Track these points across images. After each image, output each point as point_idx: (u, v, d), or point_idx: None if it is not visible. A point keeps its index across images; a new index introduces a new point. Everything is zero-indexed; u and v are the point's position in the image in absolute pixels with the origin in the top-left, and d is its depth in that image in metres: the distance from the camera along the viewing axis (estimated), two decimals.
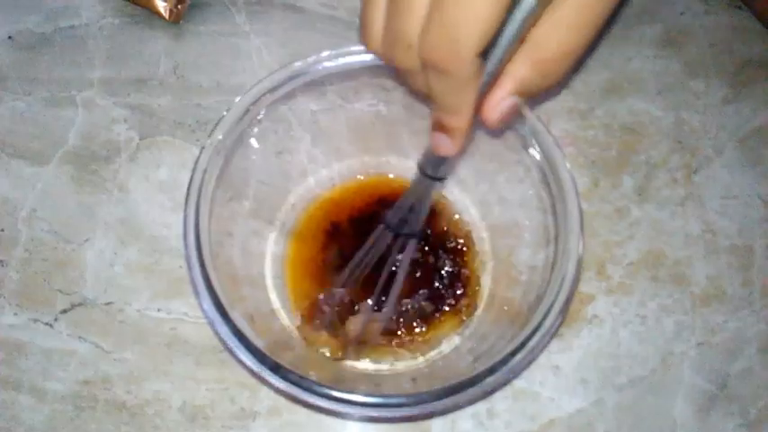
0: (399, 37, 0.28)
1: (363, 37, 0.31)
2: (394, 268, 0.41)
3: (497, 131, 0.39)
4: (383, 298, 0.41)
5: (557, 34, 0.27)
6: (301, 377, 0.31)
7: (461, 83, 0.28)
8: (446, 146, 0.31)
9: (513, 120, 0.33)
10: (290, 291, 0.44)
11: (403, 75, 0.30)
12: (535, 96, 0.30)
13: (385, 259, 0.41)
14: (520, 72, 0.28)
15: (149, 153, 0.49)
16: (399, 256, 0.41)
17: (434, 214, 0.46)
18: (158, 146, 0.49)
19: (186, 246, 0.34)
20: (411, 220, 0.39)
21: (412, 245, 0.40)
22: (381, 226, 0.40)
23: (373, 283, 0.41)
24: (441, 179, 0.35)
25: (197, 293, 0.33)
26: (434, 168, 0.34)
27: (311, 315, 0.43)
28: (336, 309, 0.42)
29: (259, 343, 0.32)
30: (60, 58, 0.51)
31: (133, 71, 0.51)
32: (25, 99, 0.50)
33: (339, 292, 0.42)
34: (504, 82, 0.29)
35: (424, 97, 0.31)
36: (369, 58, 0.39)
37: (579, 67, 0.51)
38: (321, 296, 0.43)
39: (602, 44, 0.52)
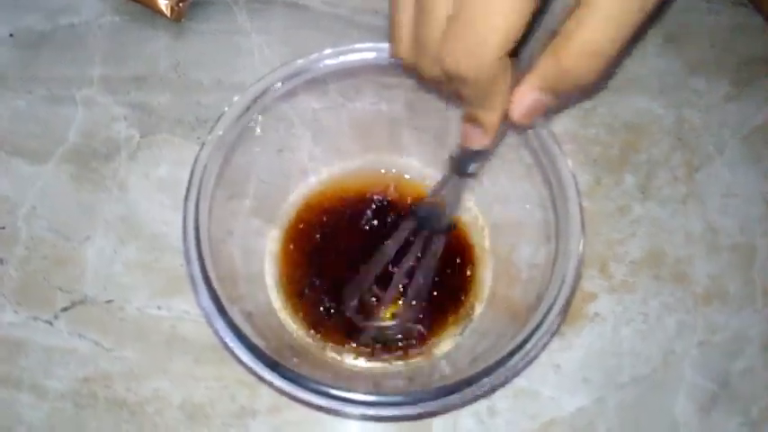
0: (425, 46, 0.27)
1: (392, 45, 0.30)
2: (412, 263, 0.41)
3: (521, 129, 0.38)
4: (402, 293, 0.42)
5: (588, 30, 0.25)
6: (299, 375, 0.31)
7: (488, 86, 0.27)
8: (478, 138, 0.30)
9: (539, 118, 0.32)
10: (285, 288, 0.44)
11: (432, 82, 0.30)
12: (565, 95, 0.28)
13: (407, 256, 0.41)
14: (545, 67, 0.27)
15: (149, 151, 0.48)
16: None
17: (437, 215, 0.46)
18: (158, 144, 0.49)
19: (185, 241, 0.33)
20: (440, 217, 0.38)
21: (440, 242, 0.39)
22: (409, 221, 0.39)
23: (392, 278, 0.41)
24: (471, 175, 0.34)
25: (195, 289, 0.33)
26: (465, 164, 0.33)
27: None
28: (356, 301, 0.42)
29: (257, 340, 0.32)
30: (60, 55, 0.51)
31: (133, 69, 0.51)
32: (25, 97, 0.50)
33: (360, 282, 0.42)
34: (529, 77, 0.28)
35: (455, 101, 0.31)
36: (371, 56, 0.39)
37: (615, 70, 0.51)
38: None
39: None
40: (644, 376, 0.44)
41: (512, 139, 0.40)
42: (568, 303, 0.34)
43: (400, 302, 0.43)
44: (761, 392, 0.44)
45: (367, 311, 0.43)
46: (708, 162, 0.49)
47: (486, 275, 0.44)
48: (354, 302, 0.43)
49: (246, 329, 0.32)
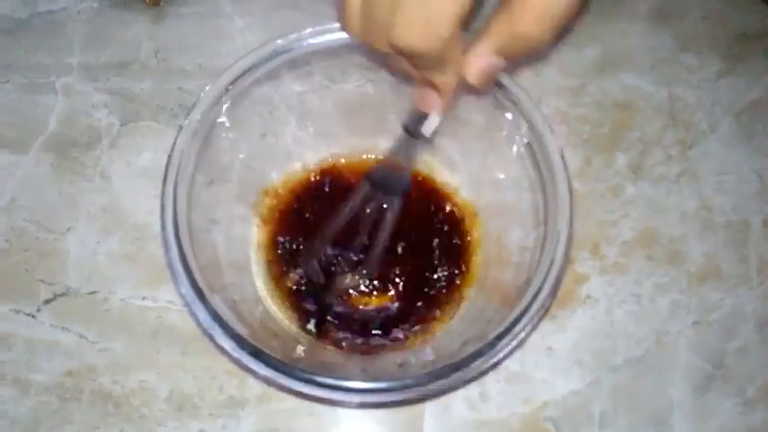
0: (375, 23, 0.28)
1: (341, 22, 0.31)
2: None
3: (483, 96, 0.38)
4: (362, 256, 0.41)
5: None
6: (283, 363, 0.30)
7: (441, 56, 0.28)
8: (432, 101, 0.31)
9: (493, 81, 0.33)
10: (271, 275, 0.43)
11: (384, 57, 0.30)
12: (516, 58, 0.29)
13: (365, 218, 0.40)
14: (499, 33, 0.28)
15: (131, 139, 0.47)
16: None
17: (424, 196, 0.45)
18: (140, 131, 0.48)
19: (164, 228, 0.33)
20: (395, 179, 0.38)
21: (396, 203, 0.39)
22: (364, 180, 0.39)
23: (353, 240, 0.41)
24: (424, 139, 0.34)
25: (174, 277, 0.32)
26: (416, 126, 0.33)
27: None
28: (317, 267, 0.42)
29: (240, 328, 0.31)
30: (38, 43, 0.50)
31: (113, 55, 0.50)
32: (3, 86, 0.49)
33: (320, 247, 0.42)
34: (483, 43, 0.28)
35: (406, 77, 0.31)
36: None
37: (565, 35, 0.50)
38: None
39: (593, 18, 0.51)
40: (638, 358, 0.43)
41: (499, 120, 0.40)
42: (558, 284, 0.34)
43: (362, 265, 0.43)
44: (757, 372, 0.43)
45: (331, 273, 0.43)
46: (701, 140, 0.48)
47: (476, 260, 0.44)
48: (315, 266, 0.42)
49: (229, 317, 0.31)
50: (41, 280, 0.44)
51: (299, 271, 0.43)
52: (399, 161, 0.37)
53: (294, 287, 0.43)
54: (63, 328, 0.43)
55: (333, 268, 0.43)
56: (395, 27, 0.26)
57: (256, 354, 0.31)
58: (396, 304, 0.43)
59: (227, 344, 0.31)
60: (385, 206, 0.39)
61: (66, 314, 0.43)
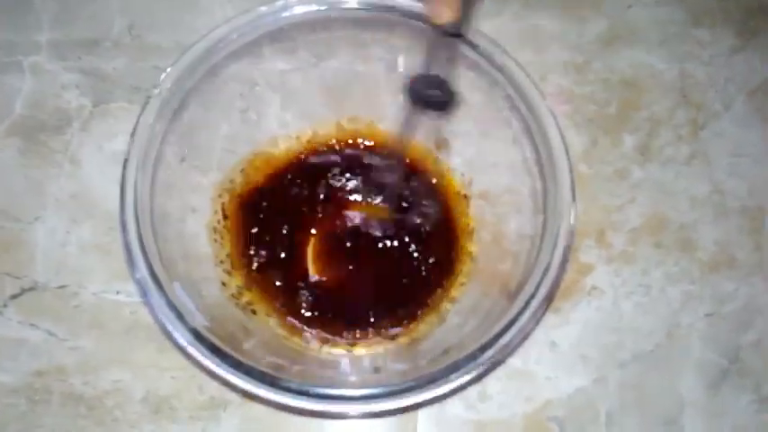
0: None
1: None
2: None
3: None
4: None
5: None
6: (239, 362, 0.27)
7: None
8: (445, 12, 0.30)
9: None
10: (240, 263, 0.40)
11: None
12: None
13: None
14: None
15: (103, 121, 0.45)
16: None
17: (418, 184, 0.43)
18: (113, 113, 0.45)
19: (122, 211, 0.29)
20: (439, 87, 0.34)
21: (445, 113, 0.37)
22: (404, 97, 0.35)
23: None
24: (458, 35, 0.33)
25: (130, 261, 0.29)
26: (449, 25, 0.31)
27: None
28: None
29: (200, 320, 0.28)
30: (5, 20, 0.47)
31: (84, 32, 0.47)
32: None
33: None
34: None
35: None
36: (345, 4, 0.35)
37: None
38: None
39: None
40: (647, 353, 0.41)
41: (498, 102, 0.38)
42: (560, 274, 0.32)
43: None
44: None
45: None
46: (713, 119, 0.46)
47: (473, 248, 0.41)
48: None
49: (187, 308, 0.28)
50: (7, 273, 0.41)
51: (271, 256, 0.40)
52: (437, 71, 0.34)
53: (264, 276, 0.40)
54: (31, 324, 0.40)
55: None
56: None
57: (213, 349, 0.28)
58: (381, 292, 0.40)
59: (181, 337, 0.28)
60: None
61: (34, 310, 0.41)
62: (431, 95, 0.34)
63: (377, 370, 0.35)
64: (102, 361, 0.40)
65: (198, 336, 0.28)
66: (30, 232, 0.42)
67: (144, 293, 0.29)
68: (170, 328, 0.28)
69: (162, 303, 0.28)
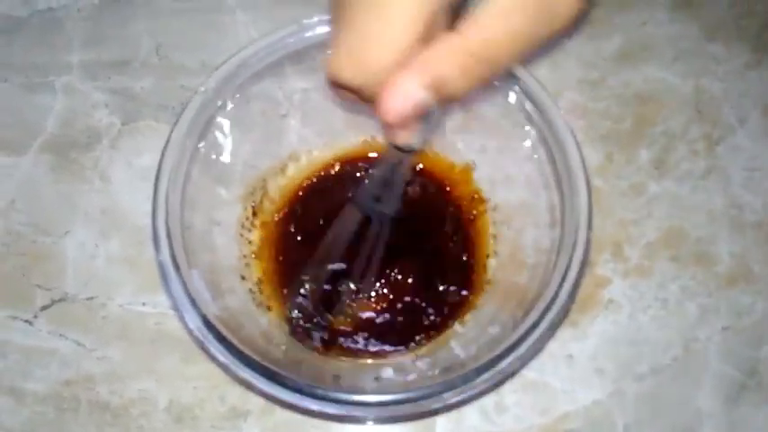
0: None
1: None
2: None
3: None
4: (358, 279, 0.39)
5: (489, 28, 0.23)
6: (276, 373, 0.28)
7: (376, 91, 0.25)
8: (400, 134, 0.27)
9: (416, 122, 0.26)
10: (272, 281, 0.41)
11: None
12: (449, 100, 0.25)
13: (361, 241, 0.37)
14: (434, 62, 0.23)
15: (132, 139, 0.46)
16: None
17: (431, 194, 0.43)
18: (141, 131, 0.46)
19: (155, 227, 0.31)
20: (386, 197, 0.34)
21: (387, 227, 0.36)
22: (350, 205, 0.36)
23: (349, 266, 0.39)
24: (411, 151, 0.30)
25: (164, 277, 0.30)
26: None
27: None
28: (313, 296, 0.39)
29: (231, 335, 0.29)
30: (38, 41, 0.49)
31: (114, 53, 0.48)
32: (1, 86, 0.48)
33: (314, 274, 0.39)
34: (412, 69, 0.23)
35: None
36: None
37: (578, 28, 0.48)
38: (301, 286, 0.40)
39: (613, 7, 0.49)
40: (664, 366, 0.41)
41: (515, 116, 0.38)
42: (577, 288, 0.32)
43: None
44: None
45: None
46: (729, 134, 0.46)
47: (490, 262, 0.41)
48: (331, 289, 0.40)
49: (221, 323, 0.29)
50: (38, 285, 0.43)
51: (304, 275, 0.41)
52: (387, 177, 0.33)
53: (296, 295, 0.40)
54: (60, 335, 0.42)
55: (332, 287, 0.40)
56: (331, 57, 0.25)
57: (247, 362, 0.28)
58: (400, 306, 0.41)
59: (218, 351, 0.29)
60: (375, 227, 0.36)
61: (63, 321, 0.42)
62: (376, 206, 0.34)
63: (393, 376, 0.35)
64: (129, 370, 0.41)
65: (206, 322, 0.29)
66: (60, 246, 0.43)
67: (177, 308, 0.30)
68: (201, 339, 0.29)
69: (195, 317, 0.29)
